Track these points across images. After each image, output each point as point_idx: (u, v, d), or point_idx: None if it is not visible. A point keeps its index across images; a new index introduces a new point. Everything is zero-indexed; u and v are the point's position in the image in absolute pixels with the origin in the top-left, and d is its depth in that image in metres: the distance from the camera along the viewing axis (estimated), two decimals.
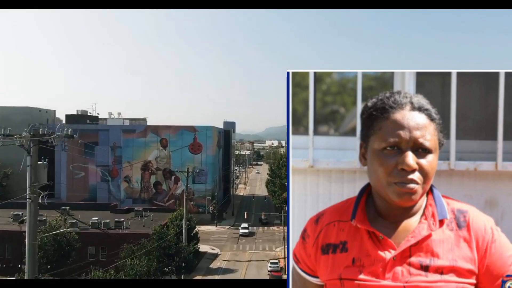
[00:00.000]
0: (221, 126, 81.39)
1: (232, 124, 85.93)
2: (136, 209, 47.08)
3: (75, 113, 69.92)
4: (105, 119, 75.30)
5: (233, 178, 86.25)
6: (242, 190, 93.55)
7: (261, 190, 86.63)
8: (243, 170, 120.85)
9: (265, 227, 55.66)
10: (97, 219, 39.86)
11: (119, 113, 77.44)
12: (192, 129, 60.36)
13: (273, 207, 62.53)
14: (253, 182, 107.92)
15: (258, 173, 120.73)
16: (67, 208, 41.92)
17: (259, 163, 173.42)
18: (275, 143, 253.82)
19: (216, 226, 56.34)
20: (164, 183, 59.83)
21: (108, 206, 49.53)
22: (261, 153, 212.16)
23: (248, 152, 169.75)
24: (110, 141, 59.38)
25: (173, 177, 59.68)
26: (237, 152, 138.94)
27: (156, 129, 60.80)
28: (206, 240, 50.02)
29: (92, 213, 43.69)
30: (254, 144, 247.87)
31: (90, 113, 70.63)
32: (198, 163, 58.79)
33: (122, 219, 40.89)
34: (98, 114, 73.44)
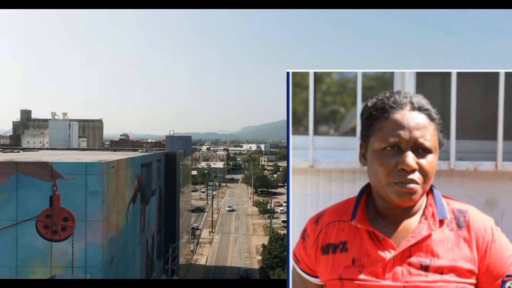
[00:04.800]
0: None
1: (185, 142, 40.35)
2: None
3: None
4: (47, 120, 53.47)
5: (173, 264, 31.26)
6: (205, 249, 47.70)
7: (238, 248, 48.03)
8: (213, 192, 77.81)
9: None
10: None
11: (64, 114, 56.52)
12: (45, 174, 17.14)
13: None
14: (225, 224, 61.75)
15: (231, 210, 71.35)
16: None
17: (234, 177, 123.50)
18: (253, 146, 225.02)
19: None
20: None
21: None
22: (238, 159, 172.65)
23: (221, 164, 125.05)
24: None
25: None
26: (204, 165, 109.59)
27: None
28: None
29: None
30: (230, 148, 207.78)
31: None
32: (63, 266, 17.09)
33: None
34: None
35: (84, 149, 39.64)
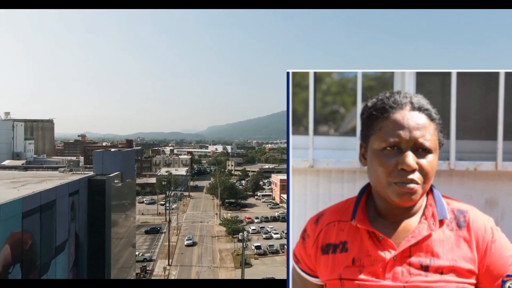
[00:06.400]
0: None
1: (124, 158, 27.37)
2: None
3: None
4: None
5: None
6: None
7: None
8: (171, 206, 65.33)
9: None
10: None
11: (7, 113, 48.70)
12: None
13: None
14: (185, 252, 51.02)
15: (190, 243, 53.85)
16: None
17: (199, 185, 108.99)
18: (219, 148, 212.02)
19: None
20: None
21: None
22: (203, 162, 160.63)
23: (184, 171, 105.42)
24: None
25: None
26: (164, 173, 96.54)
27: None
28: None
29: None
30: (195, 150, 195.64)
31: None
32: None
33: None
34: None
35: None
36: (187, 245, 53.34)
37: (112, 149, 28.62)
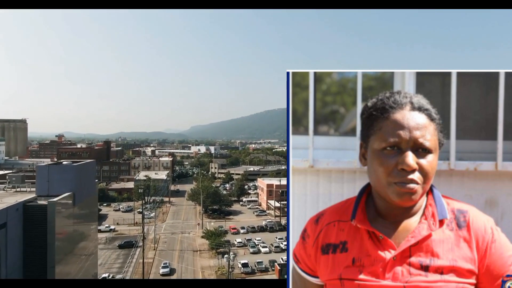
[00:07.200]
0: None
1: (81, 173, 21.30)
2: None
3: None
4: None
5: None
6: None
7: None
8: (149, 216, 62.43)
9: None
10: None
11: None
12: None
13: None
14: None
15: (167, 272, 44.58)
16: None
17: (180, 189, 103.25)
18: (202, 148, 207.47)
19: None
20: None
21: None
22: (186, 163, 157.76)
23: (164, 174, 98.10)
24: None
25: None
26: (143, 177, 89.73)
27: None
28: None
29: None
30: (177, 151, 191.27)
31: None
32: None
33: None
34: None
35: None
36: (164, 274, 44.26)
37: (65, 162, 22.30)
